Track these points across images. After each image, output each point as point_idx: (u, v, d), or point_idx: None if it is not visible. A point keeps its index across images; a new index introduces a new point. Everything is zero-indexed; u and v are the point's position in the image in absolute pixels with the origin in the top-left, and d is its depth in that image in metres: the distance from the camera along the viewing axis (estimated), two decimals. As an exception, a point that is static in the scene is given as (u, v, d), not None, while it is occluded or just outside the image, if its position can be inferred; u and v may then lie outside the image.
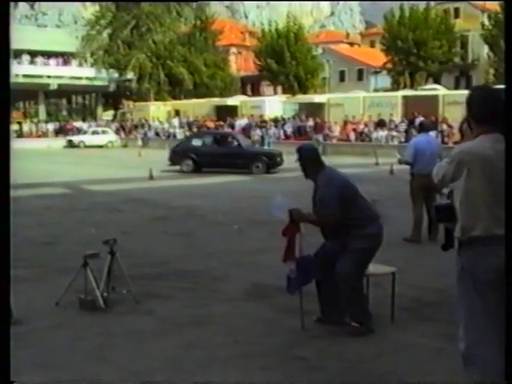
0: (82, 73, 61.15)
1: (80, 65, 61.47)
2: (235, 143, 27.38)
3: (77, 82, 61.20)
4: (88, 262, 7.08)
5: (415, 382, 5.23)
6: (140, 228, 12.59)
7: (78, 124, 57.12)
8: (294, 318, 6.66)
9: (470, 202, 4.07)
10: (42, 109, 63.25)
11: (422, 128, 11.74)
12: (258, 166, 25.85)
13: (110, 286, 7.25)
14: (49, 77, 60.16)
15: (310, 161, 6.35)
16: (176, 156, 27.10)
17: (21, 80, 58.04)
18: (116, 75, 60.29)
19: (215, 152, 26.59)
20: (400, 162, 11.56)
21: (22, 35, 57.76)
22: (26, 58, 60.57)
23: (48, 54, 61.36)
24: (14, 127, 55.71)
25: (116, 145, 49.14)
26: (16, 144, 46.29)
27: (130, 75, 58.86)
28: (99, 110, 66.20)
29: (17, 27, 63.62)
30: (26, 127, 56.83)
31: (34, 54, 60.81)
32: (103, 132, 50.97)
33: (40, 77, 59.77)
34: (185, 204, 16.10)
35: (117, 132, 52.29)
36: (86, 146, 47.83)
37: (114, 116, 62.86)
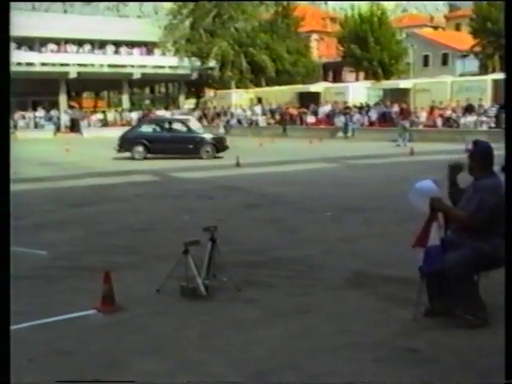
0: (164, 62, 61.68)
1: (163, 54, 62.05)
2: (184, 129, 27.98)
3: (160, 71, 61.78)
4: (189, 249, 7.02)
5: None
6: (232, 215, 12.51)
7: (161, 112, 57.74)
8: (399, 308, 6.48)
9: None
10: (125, 98, 64.25)
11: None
12: (207, 150, 26.64)
13: (211, 274, 7.17)
14: (132, 66, 61.00)
15: (482, 156, 6.14)
16: (126, 143, 27.15)
17: (106, 70, 59.18)
18: (198, 63, 60.61)
19: (166, 138, 27.05)
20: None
21: (106, 26, 58.85)
22: (110, 48, 61.61)
23: (131, 44, 62.21)
24: (99, 116, 57.07)
25: (199, 133, 49.42)
26: (102, 132, 47.38)
27: (213, 63, 59.08)
28: (181, 98, 66.77)
29: (101, 18, 64.81)
30: (110, 116, 57.86)
31: (118, 44, 61.79)
32: (186, 120, 51.32)
33: (124, 66, 60.66)
34: (274, 191, 15.98)
35: (199, 120, 52.52)
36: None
37: (197, 104, 63.29)
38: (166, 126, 28.40)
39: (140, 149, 26.64)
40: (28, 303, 6.91)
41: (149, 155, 26.65)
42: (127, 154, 26.84)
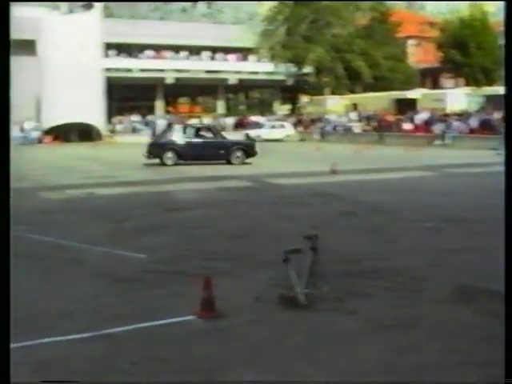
0: (260, 68, 62.08)
1: (258, 60, 62.44)
2: (214, 134, 28.09)
3: (255, 77, 62.22)
4: (289, 258, 6.92)
5: None
6: (329, 223, 12.34)
7: (256, 118, 58.04)
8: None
9: None
10: (220, 103, 64.98)
11: None
12: (238, 156, 26.80)
13: (311, 283, 7.05)
14: (228, 72, 61.64)
15: None
16: (156, 149, 26.99)
17: (202, 76, 60.01)
18: (294, 69, 60.69)
19: (196, 144, 27.03)
20: None
21: (202, 32, 59.72)
22: (206, 54, 62.44)
23: (227, 50, 62.87)
24: (194, 121, 57.80)
25: (293, 139, 49.32)
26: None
27: (308, 69, 59.02)
28: (276, 104, 66.98)
29: (197, 25, 65.82)
30: (205, 121, 58.53)
31: (214, 51, 62.58)
32: (281, 126, 51.38)
33: (220, 72, 61.36)
34: (371, 199, 15.73)
35: (294, 126, 52.56)
36: (264, 140, 48.41)
37: (292, 110, 63.32)
38: (196, 131, 28.33)
39: (170, 155, 26.68)
40: (129, 306, 7.00)
41: (180, 161, 26.69)
42: (157, 160, 26.93)
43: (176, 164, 26.40)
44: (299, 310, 6.73)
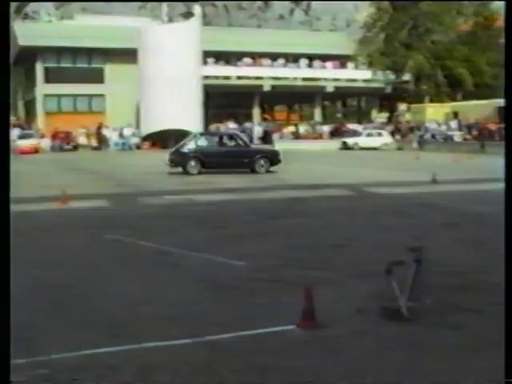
0: (357, 75, 61.65)
1: (356, 67, 62.00)
2: (239, 142, 27.57)
3: (353, 85, 61.81)
4: (392, 269, 6.74)
5: None
6: (431, 234, 12.01)
7: (353, 126, 57.67)
8: None
9: None
10: (317, 111, 64.85)
11: None
12: (262, 164, 26.37)
13: (414, 296, 6.85)
14: (325, 79, 61.48)
15: None
16: (179, 157, 26.43)
17: (299, 83, 60.10)
18: (392, 77, 59.95)
19: (220, 152, 26.59)
20: None
21: (299, 40, 59.85)
22: (303, 61, 62.47)
23: (324, 58, 62.70)
24: (291, 129, 58.00)
25: (391, 147, 48.70)
26: (293, 145, 47.98)
27: (407, 77, 58.19)
28: (374, 112, 66.36)
29: (294, 33, 66.00)
30: (302, 129, 58.61)
31: (311, 58, 62.55)
32: (378, 134, 50.85)
33: (317, 80, 61.27)
34: (475, 210, 15.26)
35: (392, 134, 51.90)
36: (361, 148, 48.08)
37: (389, 118, 62.58)
38: (221, 139, 27.99)
39: (194, 163, 26.21)
40: (230, 314, 6.98)
41: (203, 170, 26.34)
42: (180, 169, 26.68)
43: (200, 173, 26.15)
44: (402, 323, 6.55)
